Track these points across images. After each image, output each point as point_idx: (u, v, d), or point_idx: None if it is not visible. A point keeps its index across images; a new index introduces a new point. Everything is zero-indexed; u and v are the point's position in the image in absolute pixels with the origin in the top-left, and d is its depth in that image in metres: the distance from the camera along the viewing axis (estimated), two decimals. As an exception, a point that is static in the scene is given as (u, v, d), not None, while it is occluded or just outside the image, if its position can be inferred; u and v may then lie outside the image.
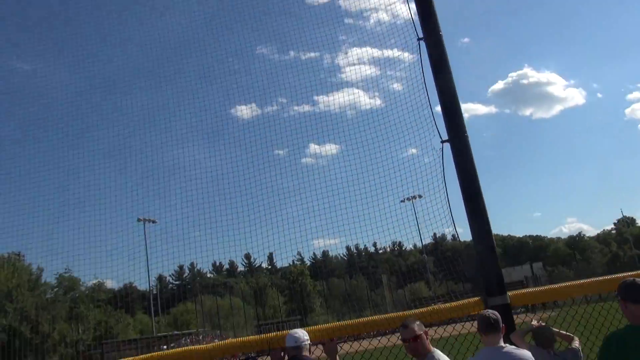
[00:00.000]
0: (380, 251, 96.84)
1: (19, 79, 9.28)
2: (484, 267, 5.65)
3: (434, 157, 6.37)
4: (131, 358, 5.50)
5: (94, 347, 54.48)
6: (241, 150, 8.30)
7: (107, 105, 8.98)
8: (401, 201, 7.38)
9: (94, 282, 53.59)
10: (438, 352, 4.12)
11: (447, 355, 4.27)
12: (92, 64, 8.76)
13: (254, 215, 7.77)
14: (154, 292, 70.73)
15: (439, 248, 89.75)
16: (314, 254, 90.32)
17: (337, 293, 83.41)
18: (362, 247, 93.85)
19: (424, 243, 76.18)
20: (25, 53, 9.44)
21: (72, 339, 55.18)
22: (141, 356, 5.57)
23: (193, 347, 5.65)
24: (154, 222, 8.66)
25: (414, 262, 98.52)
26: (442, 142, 6.13)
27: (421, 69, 6.48)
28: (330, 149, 9.03)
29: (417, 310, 5.67)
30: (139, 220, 8.73)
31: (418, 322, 4.20)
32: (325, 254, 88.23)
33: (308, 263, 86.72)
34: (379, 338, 6.21)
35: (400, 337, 4.22)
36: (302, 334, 4.56)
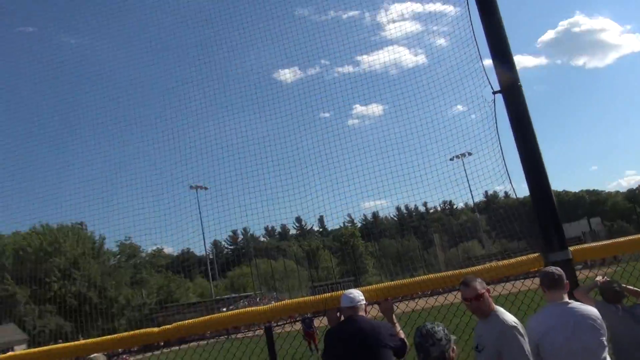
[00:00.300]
0: (431, 210, 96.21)
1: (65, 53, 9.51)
2: (543, 222, 5.43)
3: (484, 111, 6.11)
4: (192, 320, 5.68)
5: (156, 312, 57.26)
6: (287, 114, 8.28)
7: (155, 77, 9.10)
8: (450, 159, 7.21)
9: (153, 248, 56.09)
10: (501, 310, 3.99)
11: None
12: (136, 35, 8.86)
13: (302, 178, 7.81)
14: (211, 257, 73.15)
15: (491, 206, 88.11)
16: (364, 215, 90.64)
17: (389, 253, 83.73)
18: (412, 207, 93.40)
19: (475, 201, 74.77)
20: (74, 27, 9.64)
21: (137, 303, 58.20)
22: (202, 317, 5.75)
23: (252, 308, 5.76)
24: (205, 189, 8.84)
25: (465, 220, 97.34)
26: (494, 93, 5.82)
27: (469, 17, 6.14)
28: (376, 109, 8.86)
29: (474, 268, 5.51)
30: (191, 187, 8.90)
31: (479, 280, 4.06)
32: (375, 215, 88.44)
33: (359, 225, 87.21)
34: (435, 297, 6.15)
35: (461, 296, 4.10)
36: (357, 294, 4.53)
